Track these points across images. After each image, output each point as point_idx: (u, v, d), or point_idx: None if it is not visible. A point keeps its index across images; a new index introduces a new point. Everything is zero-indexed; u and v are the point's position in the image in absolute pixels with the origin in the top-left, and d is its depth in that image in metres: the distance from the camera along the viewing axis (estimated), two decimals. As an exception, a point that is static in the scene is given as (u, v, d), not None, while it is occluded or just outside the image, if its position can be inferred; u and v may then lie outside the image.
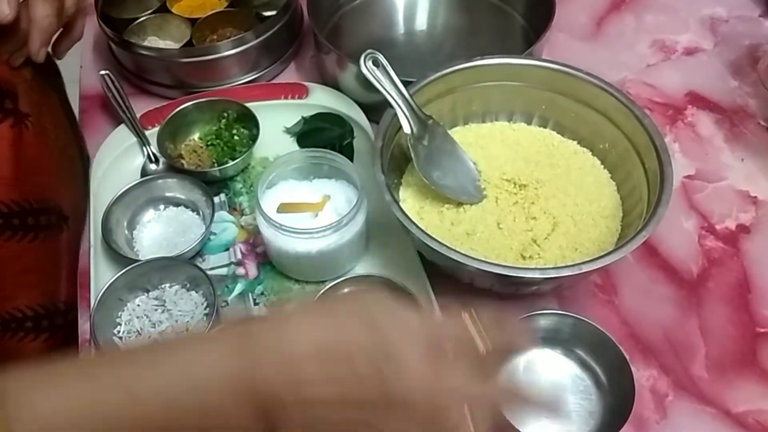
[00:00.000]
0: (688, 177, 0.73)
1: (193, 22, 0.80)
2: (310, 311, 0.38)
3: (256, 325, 0.36)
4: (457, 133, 0.68)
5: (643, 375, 0.59)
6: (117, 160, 0.71)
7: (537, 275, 0.53)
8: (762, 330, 0.61)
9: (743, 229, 0.68)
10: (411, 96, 0.61)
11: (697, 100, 0.80)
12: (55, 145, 0.69)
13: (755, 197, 0.71)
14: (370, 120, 0.73)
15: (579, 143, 0.68)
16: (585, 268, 0.52)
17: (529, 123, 0.70)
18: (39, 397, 0.33)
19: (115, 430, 0.33)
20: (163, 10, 0.82)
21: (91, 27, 0.76)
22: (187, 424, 0.34)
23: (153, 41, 0.81)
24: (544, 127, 0.70)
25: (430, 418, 0.36)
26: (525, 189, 0.64)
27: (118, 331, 0.60)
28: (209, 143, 0.73)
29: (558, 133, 0.69)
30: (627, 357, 0.55)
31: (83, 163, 0.75)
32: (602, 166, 0.67)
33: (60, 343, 0.68)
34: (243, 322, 0.37)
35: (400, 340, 0.35)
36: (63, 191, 0.69)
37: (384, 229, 0.65)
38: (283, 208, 0.60)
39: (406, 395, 0.35)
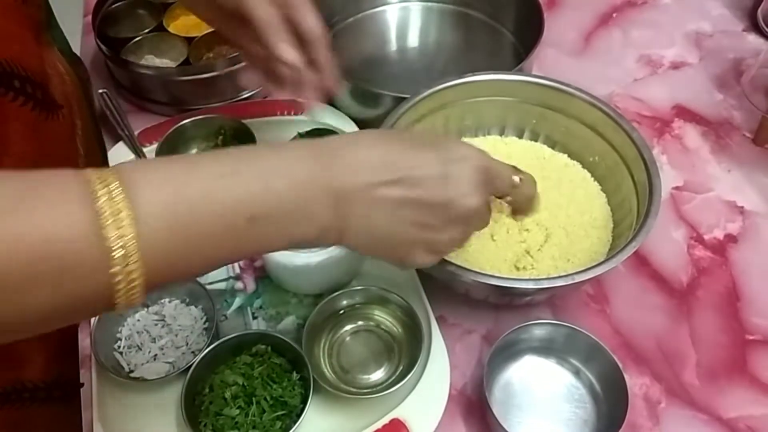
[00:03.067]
0: (677, 188, 0.74)
1: (189, 40, 0.82)
2: (380, 135, 0.46)
3: (332, 140, 0.43)
4: None
5: (636, 383, 0.60)
6: (115, 177, 0.72)
7: (531, 286, 0.54)
8: (751, 337, 0.63)
9: (731, 238, 0.70)
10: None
11: (683, 113, 0.82)
12: (81, 142, 0.67)
13: (742, 207, 0.72)
14: (364, 135, 0.75)
15: (569, 156, 0.70)
16: (577, 279, 0.53)
17: (520, 137, 0.72)
18: (158, 182, 0.36)
19: (225, 214, 0.37)
20: (160, 29, 0.83)
21: (89, 46, 0.78)
22: (280, 208, 0.39)
23: (150, 60, 0.82)
24: (536, 140, 0.71)
25: (472, 230, 0.48)
26: None
27: (119, 346, 0.60)
28: (207, 160, 0.74)
29: (549, 146, 0.71)
30: (620, 365, 0.56)
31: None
32: (592, 179, 0.68)
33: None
34: (321, 139, 0.43)
35: (461, 166, 0.44)
36: None
37: (380, 243, 0.66)
38: (281, 222, 0.61)
39: (462, 205, 0.44)
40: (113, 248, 0.32)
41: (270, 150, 0.41)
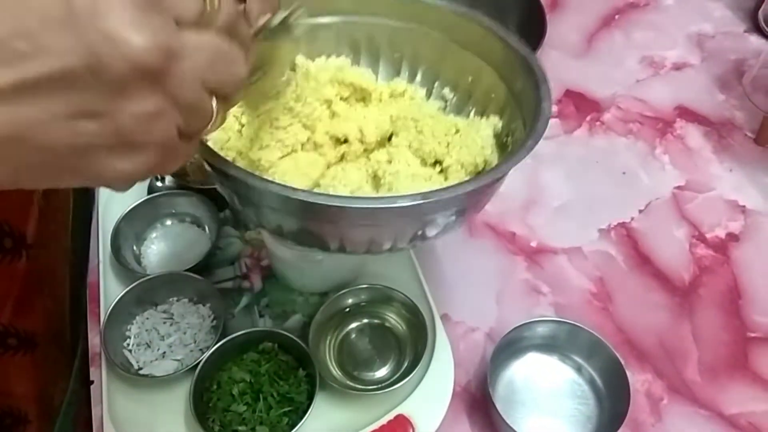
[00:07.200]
0: (679, 188, 0.75)
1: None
2: None
3: None
4: None
5: (638, 379, 0.60)
6: (124, 179, 0.73)
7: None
8: (753, 334, 0.63)
9: (733, 237, 0.71)
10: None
11: (685, 113, 0.82)
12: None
13: (743, 206, 0.73)
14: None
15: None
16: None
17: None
18: None
19: None
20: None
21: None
22: None
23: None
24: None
25: (183, 90, 0.26)
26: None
27: (128, 344, 0.61)
28: (213, 161, 0.75)
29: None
30: (622, 362, 0.56)
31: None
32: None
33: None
34: None
35: None
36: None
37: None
38: (287, 222, 0.62)
39: (118, 54, 0.23)
40: None
41: None
